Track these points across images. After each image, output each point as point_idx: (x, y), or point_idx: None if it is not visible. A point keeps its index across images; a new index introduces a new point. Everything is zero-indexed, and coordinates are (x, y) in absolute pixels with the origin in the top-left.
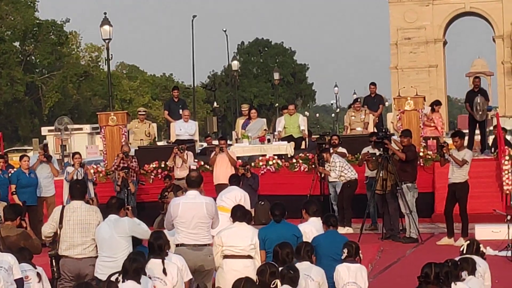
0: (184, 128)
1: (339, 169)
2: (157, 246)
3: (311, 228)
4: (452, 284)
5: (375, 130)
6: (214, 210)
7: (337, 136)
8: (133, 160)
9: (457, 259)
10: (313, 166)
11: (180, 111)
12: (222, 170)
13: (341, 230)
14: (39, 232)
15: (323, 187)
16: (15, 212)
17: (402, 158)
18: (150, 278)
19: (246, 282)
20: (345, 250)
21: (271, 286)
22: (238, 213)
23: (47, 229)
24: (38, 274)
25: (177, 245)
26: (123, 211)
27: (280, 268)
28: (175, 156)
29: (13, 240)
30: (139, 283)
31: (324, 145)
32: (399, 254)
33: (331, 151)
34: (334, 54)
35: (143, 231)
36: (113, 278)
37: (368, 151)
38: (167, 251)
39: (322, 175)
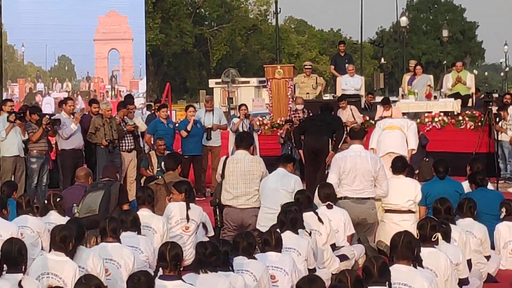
0: (349, 83)
1: None
2: (306, 199)
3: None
4: None
5: None
6: (378, 166)
7: (510, 95)
8: None
9: None
10: (479, 124)
11: (346, 65)
12: None
13: None
14: (203, 181)
15: (490, 145)
16: (175, 161)
17: None
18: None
19: (405, 236)
20: (503, 209)
21: (432, 239)
22: (398, 164)
23: (217, 178)
24: (204, 225)
25: (340, 198)
26: (290, 165)
27: None
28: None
29: None
30: (297, 233)
31: (491, 103)
32: None
33: (508, 109)
34: (505, 11)
35: None
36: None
37: None
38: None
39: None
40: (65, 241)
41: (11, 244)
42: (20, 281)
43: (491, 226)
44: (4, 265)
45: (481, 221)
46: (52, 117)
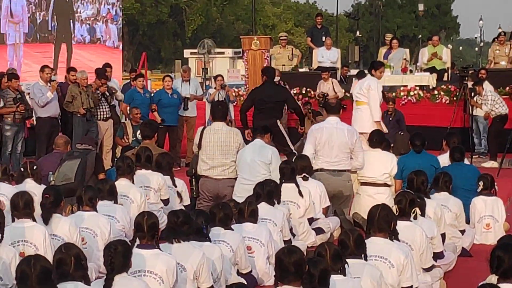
0: (326, 56)
1: (491, 103)
2: (290, 171)
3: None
4: None
5: None
6: (355, 138)
7: (485, 70)
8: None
9: None
10: (455, 98)
11: (323, 38)
12: None
13: (487, 164)
14: (178, 151)
15: (465, 120)
16: (152, 129)
17: None
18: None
19: (383, 209)
20: (481, 183)
21: (412, 214)
22: (375, 138)
23: (194, 149)
24: (179, 194)
25: (316, 170)
26: (267, 136)
27: None
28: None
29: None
30: (272, 205)
31: (467, 78)
32: None
33: (484, 84)
34: None
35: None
36: None
37: None
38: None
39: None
40: (29, 205)
41: None
42: None
43: (467, 201)
44: None
45: (457, 196)
46: (27, 109)
